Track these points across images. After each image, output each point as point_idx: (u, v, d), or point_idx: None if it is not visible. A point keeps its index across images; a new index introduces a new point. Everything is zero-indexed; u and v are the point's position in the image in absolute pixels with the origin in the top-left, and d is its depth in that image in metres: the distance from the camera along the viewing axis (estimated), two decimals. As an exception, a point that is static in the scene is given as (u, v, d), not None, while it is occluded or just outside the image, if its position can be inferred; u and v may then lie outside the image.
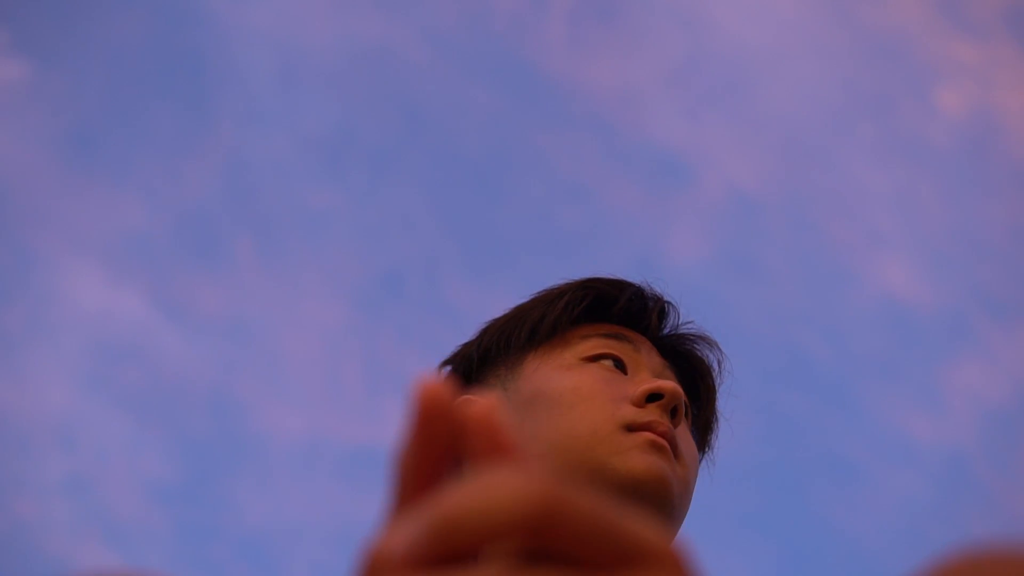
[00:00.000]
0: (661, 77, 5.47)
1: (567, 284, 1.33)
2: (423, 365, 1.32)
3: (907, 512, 4.61)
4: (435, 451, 0.42)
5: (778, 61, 5.50)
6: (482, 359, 1.31)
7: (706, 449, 1.36)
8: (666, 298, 1.35)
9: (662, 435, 1.12)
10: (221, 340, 5.02)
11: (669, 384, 1.17)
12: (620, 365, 1.23)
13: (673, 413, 1.16)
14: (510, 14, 5.42)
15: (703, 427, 1.34)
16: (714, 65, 5.50)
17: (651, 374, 1.22)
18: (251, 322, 5.04)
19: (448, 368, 1.34)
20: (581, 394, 1.17)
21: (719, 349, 1.37)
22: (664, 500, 1.10)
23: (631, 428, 1.12)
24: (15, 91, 4.80)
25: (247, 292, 5.06)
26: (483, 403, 0.41)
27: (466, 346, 1.34)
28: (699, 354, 1.36)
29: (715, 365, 1.37)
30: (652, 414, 1.14)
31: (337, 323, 4.99)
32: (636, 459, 1.10)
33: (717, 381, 1.36)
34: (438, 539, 0.37)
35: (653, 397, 1.16)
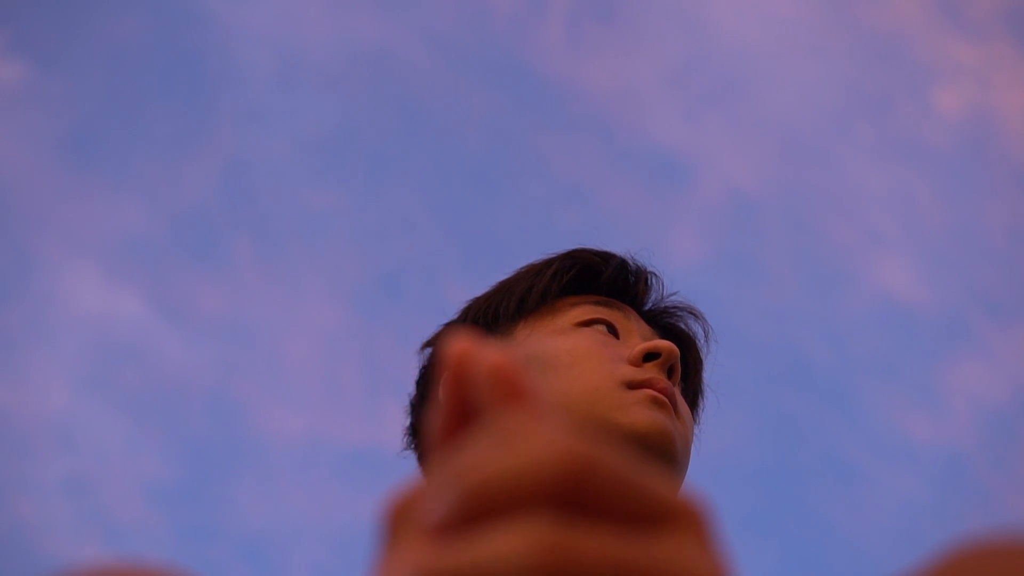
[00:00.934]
0: (660, 78, 5.47)
1: (553, 256, 1.32)
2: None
3: (906, 512, 4.61)
4: (469, 407, 0.42)
5: (776, 62, 5.51)
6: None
7: (695, 421, 1.35)
8: (650, 269, 1.35)
9: (662, 391, 1.12)
10: (220, 341, 5.03)
11: (665, 343, 1.18)
12: (612, 330, 1.24)
13: (670, 372, 1.17)
14: (509, 15, 5.43)
15: (691, 399, 1.34)
16: (713, 66, 5.50)
17: (642, 339, 1.22)
18: (250, 323, 5.04)
19: (430, 349, 1.34)
20: (578, 354, 1.17)
21: (704, 320, 1.37)
22: (668, 453, 1.11)
23: (631, 386, 1.12)
24: (14, 92, 4.81)
25: (246, 293, 5.07)
26: (496, 351, 0.41)
27: (449, 325, 1.34)
28: (684, 326, 1.36)
29: (700, 337, 1.37)
30: (650, 372, 1.15)
31: (336, 324, 4.99)
32: (639, 414, 1.10)
33: (703, 352, 1.37)
34: (470, 504, 0.36)
35: (650, 357, 1.16)
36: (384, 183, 5.26)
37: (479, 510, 0.36)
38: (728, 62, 5.50)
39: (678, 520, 0.38)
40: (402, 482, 0.41)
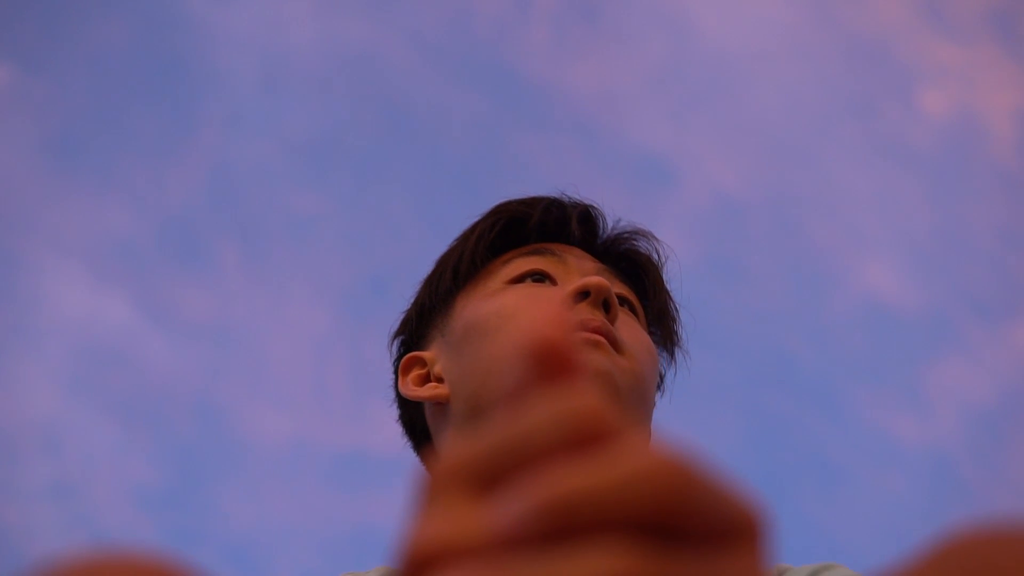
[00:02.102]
0: (644, 81, 5.48)
1: (479, 217, 1.28)
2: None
3: (892, 513, 4.62)
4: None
5: (761, 64, 5.52)
6: (420, 317, 1.27)
7: (674, 341, 1.30)
8: (588, 203, 1.29)
9: (595, 331, 1.07)
10: (206, 345, 5.02)
11: (593, 279, 1.12)
12: (547, 279, 1.18)
13: (607, 308, 1.11)
14: (493, 18, 5.42)
15: (659, 319, 1.29)
16: (697, 68, 5.51)
17: (582, 278, 1.16)
18: (236, 327, 5.03)
19: (399, 339, 1.31)
20: (505, 315, 1.12)
21: (655, 239, 1.31)
22: (611, 395, 1.04)
23: None
24: (-2, 96, 4.80)
25: (232, 297, 5.06)
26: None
27: (406, 312, 1.31)
28: (637, 249, 1.30)
29: (655, 255, 1.31)
30: (581, 313, 1.09)
31: (323, 328, 4.98)
32: None
33: (662, 270, 1.31)
34: (549, 519, 0.33)
35: (580, 297, 1.11)
36: (370, 186, 5.26)
37: (558, 526, 0.33)
38: (712, 65, 5.50)
39: (745, 533, 0.36)
40: (452, 448, 0.37)
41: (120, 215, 4.98)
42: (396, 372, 1.28)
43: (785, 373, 4.96)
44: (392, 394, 1.32)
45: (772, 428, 4.81)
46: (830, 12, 5.50)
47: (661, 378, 1.30)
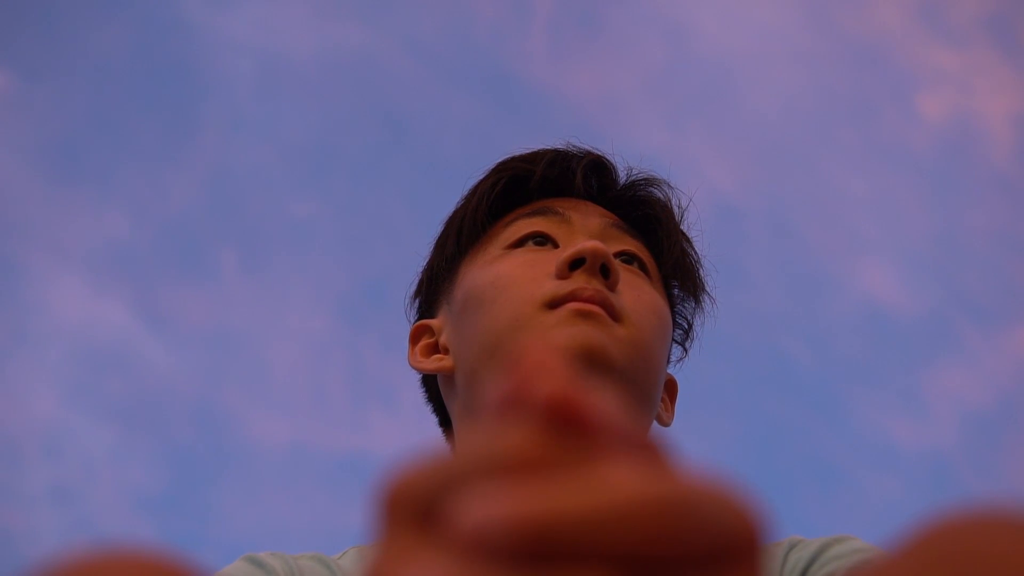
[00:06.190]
0: (642, 85, 5.48)
1: (482, 176, 1.21)
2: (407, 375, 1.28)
3: (889, 516, 4.62)
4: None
5: (759, 68, 5.52)
6: (429, 282, 1.21)
7: (696, 288, 1.23)
8: (596, 152, 1.22)
9: (589, 300, 1.01)
10: (205, 350, 5.02)
11: (588, 245, 1.04)
12: (549, 241, 1.12)
13: (605, 273, 1.04)
14: (491, 23, 5.43)
15: (676, 268, 1.21)
16: (695, 72, 5.52)
17: (588, 239, 1.09)
18: (235, 332, 5.03)
19: (417, 300, 1.25)
20: (501, 284, 1.06)
21: (668, 185, 1.24)
22: (605, 367, 0.98)
23: (554, 304, 1.02)
24: (-2, 102, 4.80)
25: (231, 302, 5.06)
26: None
27: (420, 274, 1.26)
28: (648, 197, 1.22)
29: (670, 203, 1.23)
30: (576, 281, 1.03)
31: (321, 332, 4.98)
32: (558, 336, 0.98)
33: (677, 217, 1.23)
34: (528, 542, 0.30)
35: (576, 264, 1.04)
36: (368, 191, 5.26)
37: (538, 551, 0.30)
38: (710, 69, 5.51)
39: (742, 550, 0.32)
40: (405, 461, 0.34)
41: (119, 220, 4.99)
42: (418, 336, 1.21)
43: (783, 377, 4.96)
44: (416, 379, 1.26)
45: (770, 432, 4.82)
46: (828, 16, 5.51)
47: (687, 329, 1.25)
